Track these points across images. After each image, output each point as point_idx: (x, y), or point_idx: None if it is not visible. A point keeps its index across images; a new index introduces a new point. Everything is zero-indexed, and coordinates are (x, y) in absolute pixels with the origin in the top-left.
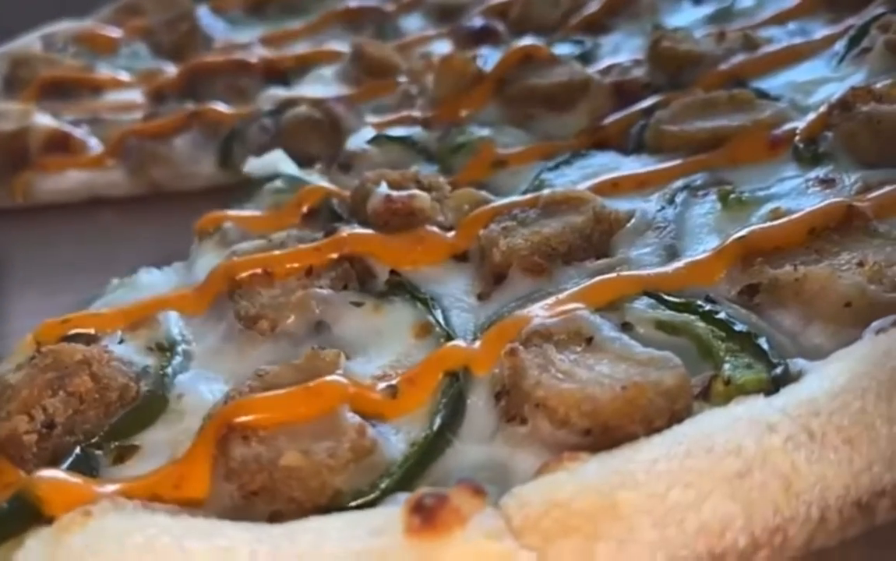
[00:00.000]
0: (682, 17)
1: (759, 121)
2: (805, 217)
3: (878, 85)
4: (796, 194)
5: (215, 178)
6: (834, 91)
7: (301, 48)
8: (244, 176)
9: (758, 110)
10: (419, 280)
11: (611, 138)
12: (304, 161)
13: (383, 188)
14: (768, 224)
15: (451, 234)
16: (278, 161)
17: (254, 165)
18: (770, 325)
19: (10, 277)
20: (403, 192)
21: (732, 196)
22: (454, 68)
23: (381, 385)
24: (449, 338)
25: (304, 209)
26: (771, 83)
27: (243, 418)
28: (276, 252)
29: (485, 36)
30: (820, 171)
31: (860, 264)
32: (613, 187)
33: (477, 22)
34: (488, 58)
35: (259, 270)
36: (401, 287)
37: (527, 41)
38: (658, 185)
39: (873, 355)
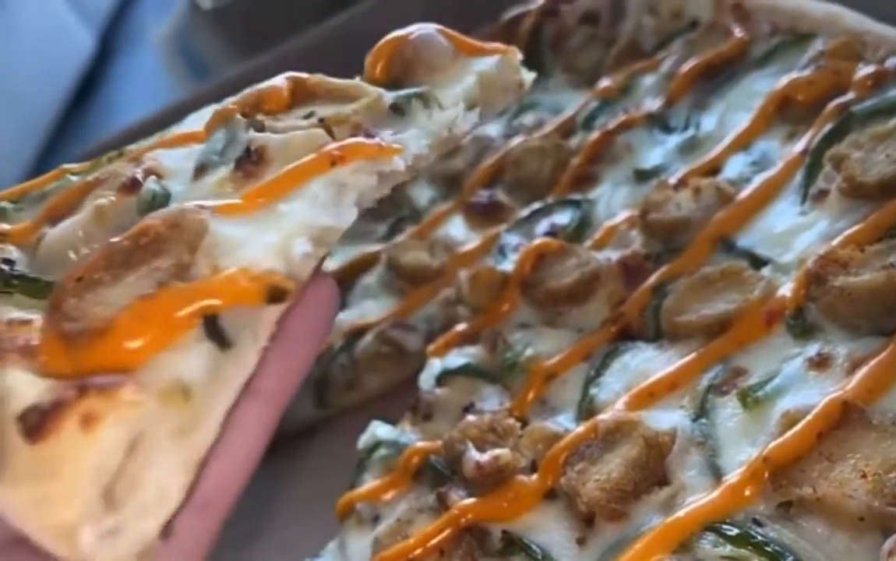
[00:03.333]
0: (656, 154)
1: (752, 300)
2: (810, 425)
3: (841, 245)
4: (799, 383)
5: (315, 416)
6: (807, 243)
7: (337, 249)
8: (339, 409)
9: (748, 286)
10: (525, 530)
11: (632, 325)
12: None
13: (472, 453)
14: (782, 439)
15: (535, 476)
16: (375, 429)
17: (361, 441)
18: (806, 533)
19: None
20: (488, 455)
21: (749, 398)
22: (483, 280)
23: None
24: None
25: (412, 471)
26: (752, 237)
27: None
28: (411, 540)
29: (492, 210)
30: (812, 349)
31: (863, 476)
32: (650, 397)
33: (483, 197)
34: (504, 243)
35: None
36: (514, 544)
37: (531, 218)
38: (686, 384)
39: None
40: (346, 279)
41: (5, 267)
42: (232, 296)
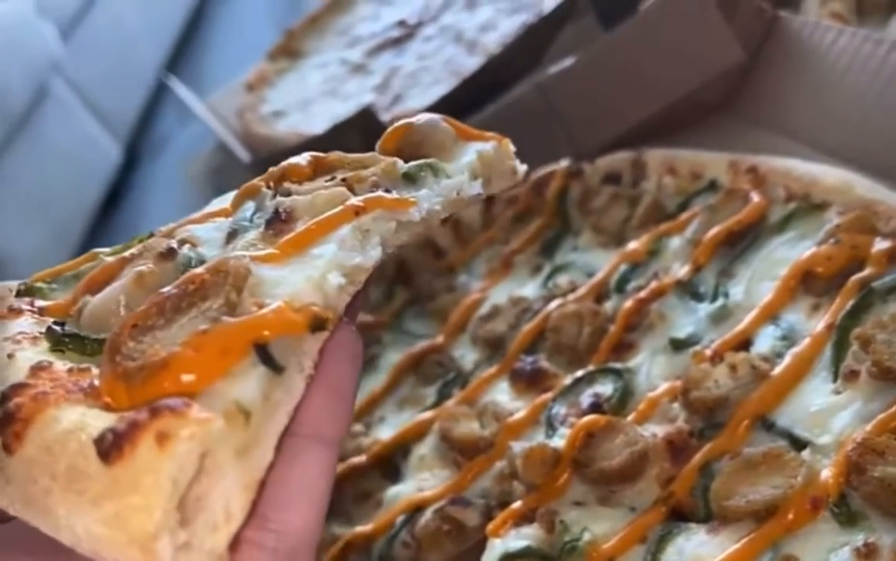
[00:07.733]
0: (689, 322)
1: (796, 487)
2: None
3: (876, 432)
4: None
5: None
6: (843, 424)
7: (390, 415)
8: None
9: (791, 470)
10: None
11: (683, 504)
12: None
13: None
14: None
15: None
16: None
17: None
18: None
19: None
20: None
21: None
22: (536, 458)
23: None
24: None
25: None
26: (789, 416)
27: None
28: None
29: (536, 377)
30: (859, 538)
31: None
32: None
33: (527, 363)
34: (552, 414)
35: None
36: None
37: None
38: None
39: None
40: (401, 449)
41: (57, 328)
42: (280, 325)
